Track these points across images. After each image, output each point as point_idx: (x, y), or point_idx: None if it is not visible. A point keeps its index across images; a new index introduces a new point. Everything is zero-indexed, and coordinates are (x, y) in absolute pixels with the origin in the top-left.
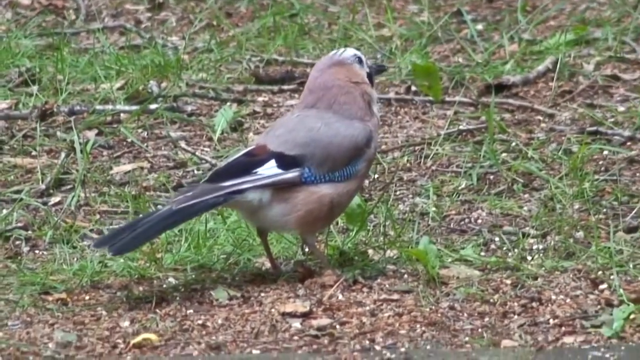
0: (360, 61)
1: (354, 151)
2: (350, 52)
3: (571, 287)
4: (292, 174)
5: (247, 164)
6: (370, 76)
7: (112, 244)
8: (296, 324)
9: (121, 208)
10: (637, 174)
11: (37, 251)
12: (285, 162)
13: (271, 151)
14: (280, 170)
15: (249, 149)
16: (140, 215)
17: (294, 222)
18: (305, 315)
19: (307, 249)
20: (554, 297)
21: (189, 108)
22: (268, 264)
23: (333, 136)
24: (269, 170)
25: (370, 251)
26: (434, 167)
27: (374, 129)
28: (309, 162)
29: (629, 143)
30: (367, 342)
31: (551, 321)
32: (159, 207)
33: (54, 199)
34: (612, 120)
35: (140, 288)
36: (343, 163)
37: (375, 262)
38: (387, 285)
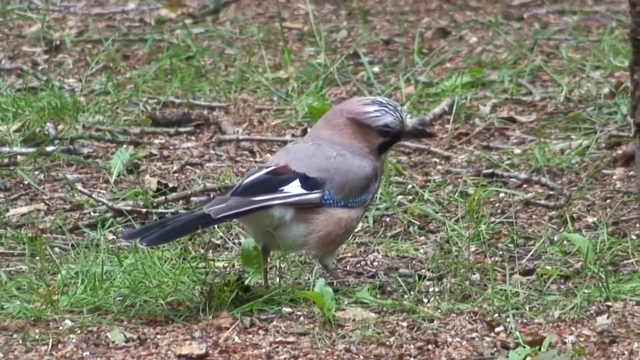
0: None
1: (365, 181)
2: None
3: (467, 329)
4: (314, 195)
5: (274, 182)
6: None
7: (144, 237)
8: None
9: (18, 250)
10: (533, 217)
11: None
12: (308, 183)
13: (295, 171)
14: (304, 190)
15: (270, 168)
16: (170, 214)
17: (314, 242)
18: (201, 358)
19: (324, 270)
20: (450, 339)
21: (85, 150)
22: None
23: (349, 165)
24: (294, 189)
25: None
26: None
27: (379, 167)
28: (329, 186)
29: (525, 185)
30: None
31: None
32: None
33: None
34: (508, 162)
35: (37, 330)
36: (356, 191)
37: (272, 305)
38: (283, 328)
